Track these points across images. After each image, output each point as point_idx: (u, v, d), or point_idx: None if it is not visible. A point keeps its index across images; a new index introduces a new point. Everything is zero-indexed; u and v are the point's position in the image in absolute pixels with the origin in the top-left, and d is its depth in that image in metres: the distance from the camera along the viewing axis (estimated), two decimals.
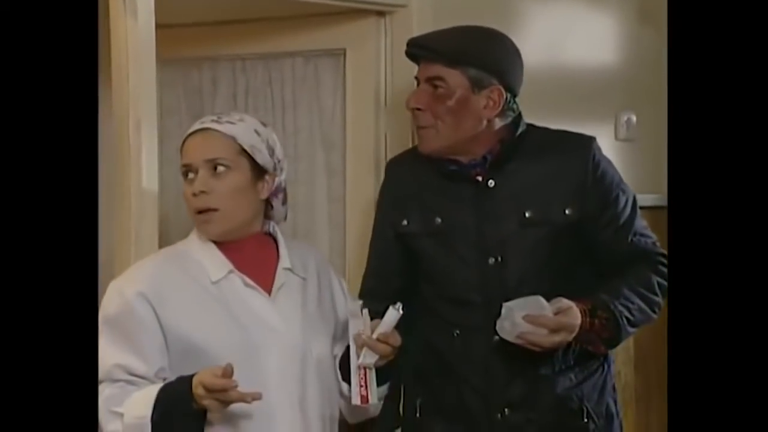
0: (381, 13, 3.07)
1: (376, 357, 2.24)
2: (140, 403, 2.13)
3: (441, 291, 2.45)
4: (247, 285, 2.26)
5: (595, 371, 2.46)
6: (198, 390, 2.07)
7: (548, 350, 2.32)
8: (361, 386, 2.25)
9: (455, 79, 2.39)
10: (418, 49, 2.46)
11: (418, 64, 2.48)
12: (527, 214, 2.40)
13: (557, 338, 2.29)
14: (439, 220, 2.44)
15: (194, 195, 2.23)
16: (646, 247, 2.49)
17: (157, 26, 2.55)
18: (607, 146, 3.30)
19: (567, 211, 2.41)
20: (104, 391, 2.16)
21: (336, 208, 3.23)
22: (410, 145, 2.96)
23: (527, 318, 2.27)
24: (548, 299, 2.33)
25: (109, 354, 2.16)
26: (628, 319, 2.36)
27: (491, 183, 2.42)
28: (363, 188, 3.09)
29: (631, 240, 2.47)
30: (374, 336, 2.23)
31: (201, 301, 2.22)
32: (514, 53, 2.45)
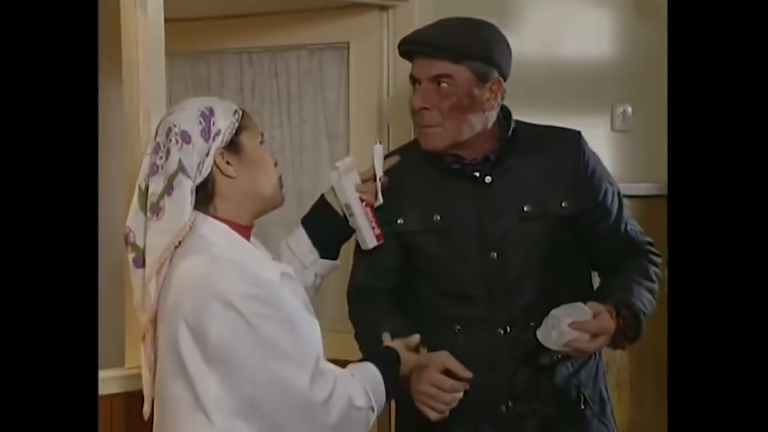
0: (384, 8, 3.06)
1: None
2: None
3: (440, 287, 2.37)
4: (293, 280, 2.13)
5: (589, 359, 2.43)
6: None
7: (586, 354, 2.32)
8: (373, 228, 2.32)
9: (462, 75, 2.29)
10: (420, 47, 2.32)
11: (412, 62, 2.36)
12: (526, 209, 2.35)
13: (598, 343, 2.26)
14: (438, 217, 2.35)
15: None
16: (637, 237, 2.47)
17: (166, 20, 2.55)
18: (603, 137, 3.30)
19: (563, 204, 2.37)
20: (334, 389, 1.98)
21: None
22: (411, 135, 2.94)
23: (573, 325, 2.23)
24: (548, 293, 2.32)
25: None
26: (644, 313, 2.34)
27: (489, 179, 2.35)
28: None
29: (625, 230, 2.46)
30: (378, 175, 2.32)
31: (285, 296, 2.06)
32: (506, 42, 2.38)
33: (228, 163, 2.03)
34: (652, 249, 2.45)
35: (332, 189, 2.34)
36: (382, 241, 2.33)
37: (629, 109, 3.39)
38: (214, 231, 2.01)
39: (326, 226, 2.31)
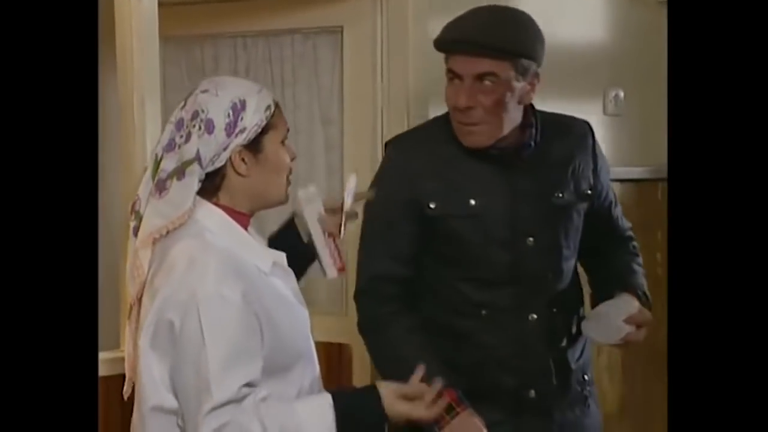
0: None
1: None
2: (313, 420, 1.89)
3: (468, 273, 2.33)
4: (285, 271, 2.08)
5: (585, 343, 2.45)
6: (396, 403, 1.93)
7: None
8: (337, 259, 2.19)
9: (506, 72, 2.24)
10: (465, 45, 2.24)
11: (450, 56, 2.28)
12: (558, 194, 2.34)
13: (644, 333, 2.31)
14: (473, 201, 2.30)
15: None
16: (625, 221, 2.54)
17: (160, 5, 2.52)
18: (596, 121, 3.27)
19: (588, 191, 2.39)
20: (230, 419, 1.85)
21: (334, 181, 3.21)
22: (405, 120, 2.94)
23: (629, 320, 2.28)
24: (568, 279, 2.37)
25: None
26: (648, 299, 2.40)
27: (522, 165, 2.33)
28: (360, 162, 3.05)
29: (617, 215, 2.52)
30: (347, 207, 2.19)
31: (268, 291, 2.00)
32: (540, 31, 2.34)
33: (243, 160, 1.96)
34: (632, 233, 2.53)
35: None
36: (343, 274, 2.21)
37: (621, 93, 3.38)
38: (210, 217, 1.98)
39: (290, 249, 2.14)
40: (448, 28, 2.31)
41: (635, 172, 3.34)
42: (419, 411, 1.96)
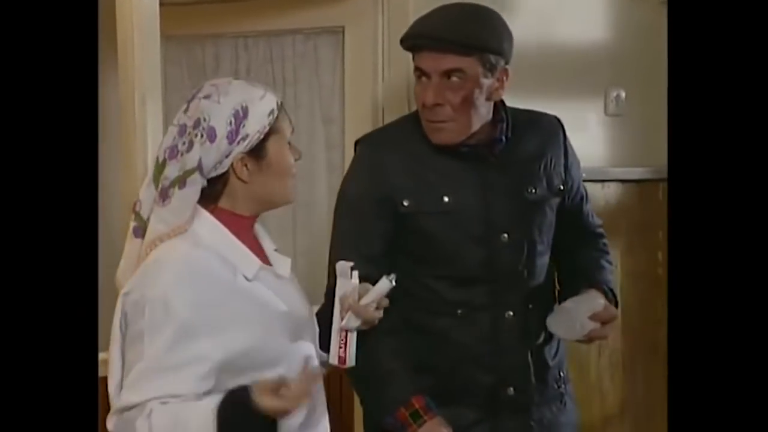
0: None
1: (359, 321, 2.09)
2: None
3: (441, 271, 2.32)
4: (278, 276, 2.04)
5: (560, 340, 2.43)
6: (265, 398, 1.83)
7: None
8: (340, 347, 2.11)
9: (472, 68, 2.23)
10: (429, 41, 2.24)
11: (416, 54, 2.28)
12: (531, 190, 2.34)
13: (609, 329, 2.30)
14: (446, 198, 2.29)
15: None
16: (595, 218, 2.54)
17: (161, 4, 2.53)
18: (597, 121, 3.29)
19: (561, 187, 2.38)
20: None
21: (335, 180, 3.19)
22: None
23: (593, 317, 2.26)
24: (543, 275, 2.34)
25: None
26: (615, 296, 2.40)
27: (495, 161, 2.32)
28: None
29: (588, 211, 2.51)
30: (362, 302, 2.07)
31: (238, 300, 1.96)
32: (508, 28, 2.33)
33: (246, 166, 1.94)
34: (603, 231, 2.53)
35: None
36: (342, 365, 2.08)
37: (623, 93, 3.36)
38: (202, 224, 1.95)
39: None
40: (414, 26, 2.30)
41: (636, 172, 3.32)
42: (278, 402, 1.83)
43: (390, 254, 2.31)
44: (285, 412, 1.83)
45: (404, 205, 2.29)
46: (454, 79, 2.23)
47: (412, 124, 2.36)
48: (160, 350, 1.85)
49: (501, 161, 2.33)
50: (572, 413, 2.48)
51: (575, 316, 2.25)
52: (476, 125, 2.29)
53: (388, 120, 3.02)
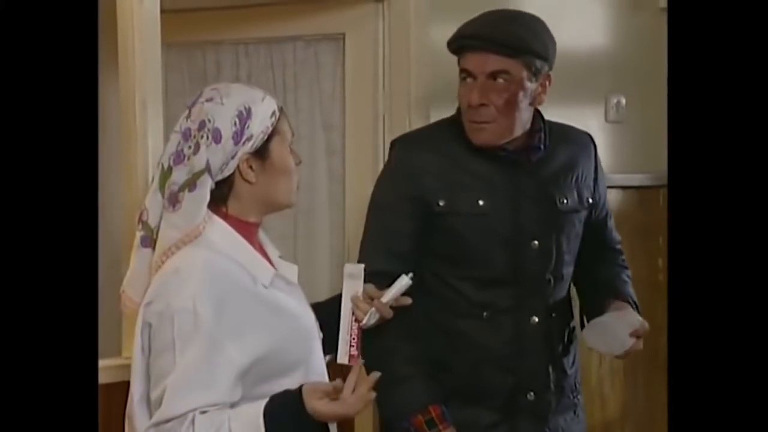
0: None
1: (377, 318, 2.13)
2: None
3: (468, 272, 2.32)
4: (288, 283, 2.05)
5: (576, 351, 2.45)
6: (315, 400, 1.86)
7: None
8: (351, 345, 2.13)
9: (518, 70, 2.24)
10: (477, 41, 2.25)
11: (461, 56, 2.29)
12: (563, 200, 2.35)
13: (641, 343, 2.32)
14: (482, 202, 2.30)
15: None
16: (615, 233, 2.57)
17: (162, 11, 2.52)
18: (597, 128, 3.29)
19: (590, 200, 2.41)
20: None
21: (336, 187, 3.23)
22: (407, 125, 2.93)
23: (633, 333, 2.28)
24: (567, 284, 2.40)
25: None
26: (639, 309, 2.41)
27: (529, 168, 2.33)
28: (362, 167, 3.07)
29: (611, 226, 2.54)
30: (383, 300, 2.12)
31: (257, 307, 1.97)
32: (551, 34, 2.34)
33: (251, 167, 1.96)
34: (622, 247, 2.57)
35: None
36: (355, 363, 2.06)
37: (623, 100, 3.37)
38: (215, 230, 1.96)
39: (332, 318, 2.14)
40: (461, 28, 2.31)
41: (637, 178, 3.33)
42: (337, 408, 1.87)
43: (418, 254, 2.33)
44: (341, 418, 1.86)
45: (439, 205, 2.31)
46: (500, 80, 2.24)
47: (446, 127, 2.38)
48: (193, 361, 1.84)
49: (536, 169, 2.34)
50: (583, 424, 2.49)
51: (617, 332, 2.27)
52: (518, 131, 2.30)
53: (389, 127, 3.04)
